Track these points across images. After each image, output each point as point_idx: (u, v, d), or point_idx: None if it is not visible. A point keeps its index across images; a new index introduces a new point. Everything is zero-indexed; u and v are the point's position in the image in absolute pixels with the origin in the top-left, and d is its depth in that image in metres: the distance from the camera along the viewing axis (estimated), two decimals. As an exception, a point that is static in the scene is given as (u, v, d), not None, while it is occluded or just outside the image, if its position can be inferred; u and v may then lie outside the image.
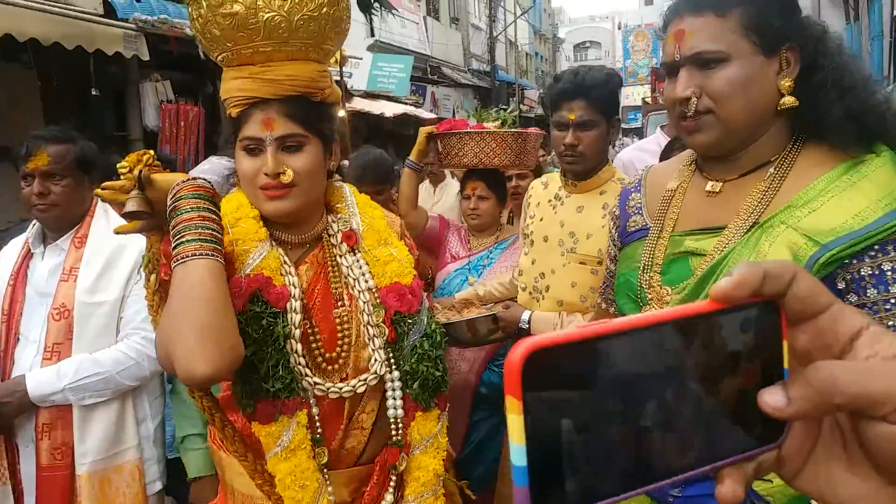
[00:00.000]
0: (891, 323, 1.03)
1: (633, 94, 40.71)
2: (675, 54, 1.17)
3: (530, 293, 2.16)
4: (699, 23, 1.14)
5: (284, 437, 1.27)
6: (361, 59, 11.98)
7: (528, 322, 2.10)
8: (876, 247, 1.02)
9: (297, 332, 1.30)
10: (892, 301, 1.03)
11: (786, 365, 0.40)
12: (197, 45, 7.17)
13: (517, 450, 0.33)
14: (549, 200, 2.16)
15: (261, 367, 1.25)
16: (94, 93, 6.52)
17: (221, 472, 1.46)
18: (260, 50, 1.30)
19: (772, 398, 0.38)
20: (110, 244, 2.08)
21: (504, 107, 3.16)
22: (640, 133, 27.21)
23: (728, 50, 1.12)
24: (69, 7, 6.14)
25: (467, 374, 2.54)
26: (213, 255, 1.17)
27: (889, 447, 0.36)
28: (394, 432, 1.40)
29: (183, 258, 1.15)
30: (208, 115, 8.10)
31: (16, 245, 2.18)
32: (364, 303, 1.38)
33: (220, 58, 1.35)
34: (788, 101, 1.13)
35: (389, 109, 11.30)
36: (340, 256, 1.42)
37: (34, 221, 2.16)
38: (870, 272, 1.03)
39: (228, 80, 1.35)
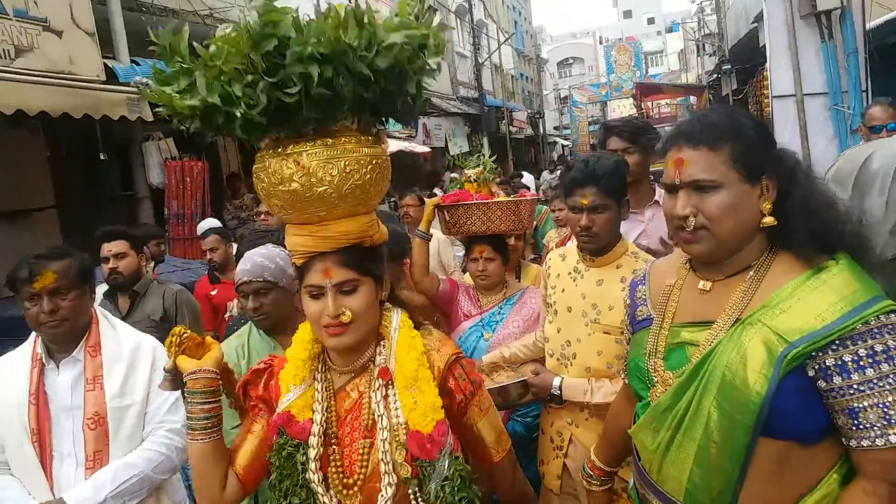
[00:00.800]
0: (856, 405, 1.23)
1: (619, 108, 41.15)
2: (676, 178, 1.39)
3: (558, 359, 2.33)
4: (695, 155, 1.36)
5: None
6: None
7: (560, 388, 2.26)
8: (836, 342, 1.23)
9: (314, 464, 1.49)
10: (855, 387, 1.22)
11: None
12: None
13: None
14: (569, 273, 2.33)
15: (281, 486, 1.50)
16: (102, 157, 6.71)
17: None
18: (316, 214, 1.48)
19: None
20: (126, 347, 2.17)
21: (482, 154, 3.31)
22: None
23: (720, 179, 1.34)
24: (73, 77, 6.34)
25: None
26: (205, 440, 1.54)
27: None
28: None
29: (190, 437, 1.55)
30: (211, 167, 8.30)
31: (15, 363, 2.16)
32: (382, 440, 1.48)
33: (281, 217, 1.55)
34: (768, 220, 1.36)
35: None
36: (373, 391, 1.54)
37: (31, 339, 2.18)
38: (833, 362, 1.24)
39: (291, 235, 1.55)
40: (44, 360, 2.14)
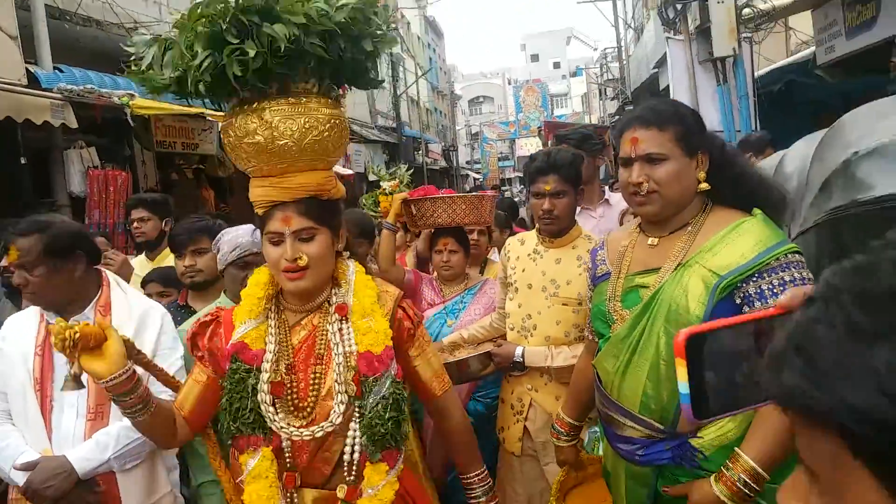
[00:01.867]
0: None
1: (526, 145, 42.63)
2: (632, 153, 1.73)
3: (518, 332, 2.58)
4: (647, 134, 1.71)
5: (250, 464, 1.65)
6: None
7: (522, 356, 2.51)
8: (755, 274, 1.58)
9: (266, 386, 1.66)
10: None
11: None
12: (122, 112, 7.28)
13: (683, 385, 0.69)
14: (529, 254, 2.62)
15: (231, 409, 1.65)
16: (23, 161, 6.48)
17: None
18: (277, 166, 1.68)
19: None
20: (135, 310, 2.24)
21: (400, 165, 3.55)
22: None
23: (667, 153, 1.69)
24: (-5, 78, 6.14)
25: None
26: (145, 417, 1.65)
27: None
28: (346, 473, 1.68)
29: (130, 420, 1.69)
30: (133, 178, 8.12)
31: (24, 320, 2.25)
32: (337, 364, 1.68)
33: (246, 170, 1.75)
34: (703, 186, 1.73)
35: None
36: (330, 324, 1.73)
37: None
38: (754, 290, 1.59)
39: (255, 187, 1.74)
40: (47, 318, 2.19)
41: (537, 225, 2.60)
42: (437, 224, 3.03)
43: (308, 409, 1.67)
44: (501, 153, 44.03)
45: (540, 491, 2.58)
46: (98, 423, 2.12)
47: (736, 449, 1.56)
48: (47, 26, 7.09)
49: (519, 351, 2.52)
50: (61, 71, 7.08)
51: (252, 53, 1.52)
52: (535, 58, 64.72)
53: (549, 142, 21.81)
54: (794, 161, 2.37)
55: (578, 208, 3.30)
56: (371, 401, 1.64)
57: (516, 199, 10.82)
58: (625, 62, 21.05)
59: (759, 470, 1.50)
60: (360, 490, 1.65)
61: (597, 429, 2.43)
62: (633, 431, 1.70)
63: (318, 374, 1.70)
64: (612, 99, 27.05)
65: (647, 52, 15.17)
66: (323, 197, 1.73)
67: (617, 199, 3.29)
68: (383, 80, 1.89)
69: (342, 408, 1.65)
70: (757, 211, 1.70)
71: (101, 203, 7.18)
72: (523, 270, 2.60)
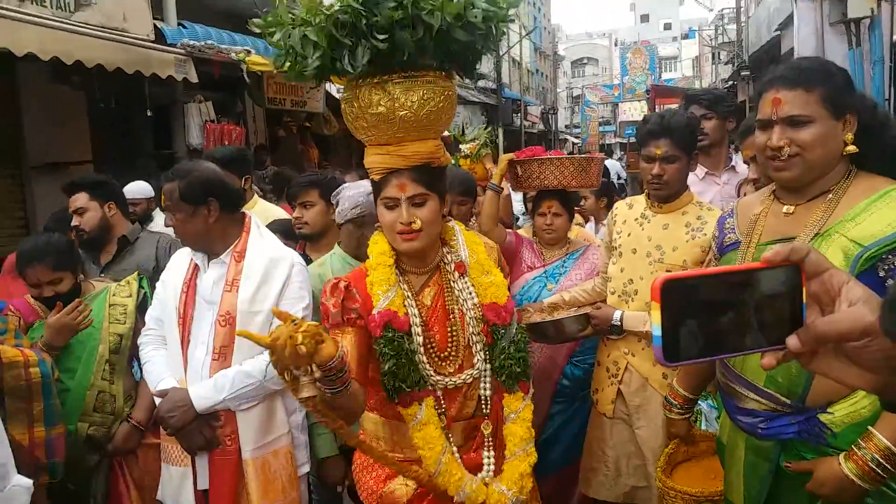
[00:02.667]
0: None
1: (630, 110, 41.20)
2: (773, 115, 1.63)
3: (619, 296, 2.56)
4: (791, 95, 1.60)
5: (419, 415, 1.79)
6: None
7: (620, 320, 2.49)
8: None
9: (420, 347, 1.82)
10: None
11: (804, 300, 0.73)
12: (238, 68, 7.58)
13: (655, 328, 0.70)
14: (636, 219, 2.57)
15: (399, 372, 1.77)
16: (148, 114, 6.91)
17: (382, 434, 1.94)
18: (395, 135, 1.81)
19: (792, 342, 0.73)
20: (265, 259, 2.32)
21: (479, 127, 3.47)
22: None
23: (812, 115, 1.58)
24: (126, 35, 6.54)
25: (550, 370, 2.93)
26: (345, 391, 1.56)
27: (858, 356, 0.72)
28: (484, 407, 1.92)
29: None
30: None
31: (183, 257, 2.45)
32: (470, 317, 1.89)
33: (364, 139, 1.87)
34: (851, 148, 1.61)
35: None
36: (454, 281, 1.93)
37: None
38: None
39: (371, 154, 1.87)
40: (194, 258, 2.39)
41: (646, 189, 2.54)
42: (543, 186, 3.00)
43: (451, 360, 1.87)
44: (602, 117, 42.74)
45: (628, 454, 2.58)
46: (221, 364, 2.26)
47: (870, 427, 1.49)
48: (174, -18, 7.46)
49: (617, 315, 2.50)
50: (184, 27, 7.45)
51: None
52: (644, 18, 62.03)
53: (657, 106, 20.98)
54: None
55: (702, 173, 3.20)
56: (502, 345, 1.89)
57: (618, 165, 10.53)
58: (743, 24, 19.82)
59: (894, 449, 1.44)
60: (501, 417, 1.93)
61: (699, 404, 2.39)
62: (755, 404, 1.64)
63: (454, 329, 1.89)
64: (727, 63, 25.62)
65: (770, 13, 14.24)
66: (433, 164, 1.85)
67: (744, 167, 3.15)
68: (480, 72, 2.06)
69: (482, 355, 1.90)
70: None
71: (216, 155, 7.57)
72: (629, 235, 2.55)
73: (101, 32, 6.18)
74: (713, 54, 30.87)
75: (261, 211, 3.56)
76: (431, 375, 1.83)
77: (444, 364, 1.86)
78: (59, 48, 5.35)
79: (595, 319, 2.54)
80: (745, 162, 2.91)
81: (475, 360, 1.89)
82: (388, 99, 1.75)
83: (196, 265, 2.39)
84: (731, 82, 21.69)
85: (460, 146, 3.31)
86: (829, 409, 1.56)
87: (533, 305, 2.80)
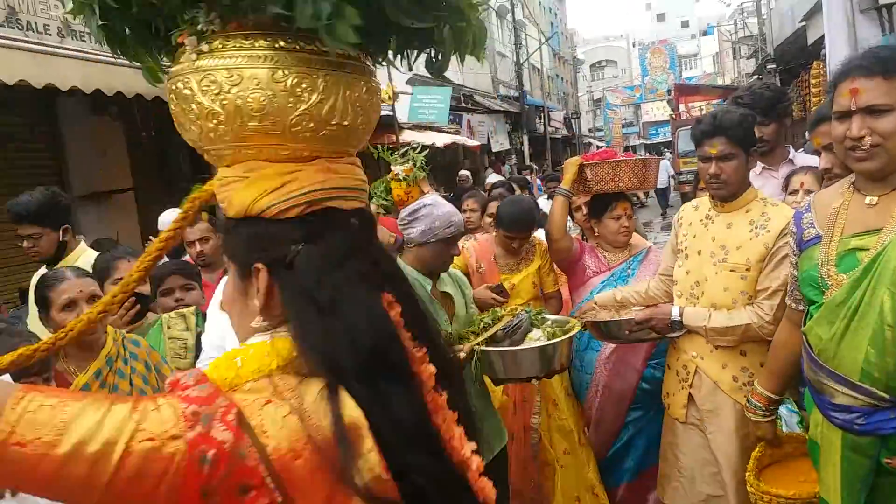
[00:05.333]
0: None
1: (652, 111, 40.98)
2: (852, 105, 1.60)
3: (686, 298, 2.53)
4: (870, 83, 1.59)
5: None
6: (411, 93, 12.40)
7: (680, 315, 2.48)
8: None
9: None
10: None
11: None
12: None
13: None
14: (701, 220, 2.54)
15: None
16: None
17: None
18: None
19: None
20: None
21: (414, 145, 3.17)
22: (667, 147, 27.32)
23: (893, 103, 1.56)
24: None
25: (630, 376, 2.92)
26: None
27: None
28: None
29: None
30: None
31: None
32: None
33: None
34: None
35: (439, 140, 11.69)
36: None
37: None
38: None
39: None
40: None
41: (708, 190, 2.52)
42: (618, 188, 3.01)
43: None
44: (625, 119, 42.50)
45: (703, 461, 2.52)
46: None
47: None
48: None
49: (676, 311, 2.48)
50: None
51: None
52: (661, 17, 61.68)
53: (680, 105, 20.76)
54: None
55: (759, 168, 3.16)
56: None
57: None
58: (764, 17, 19.63)
59: None
60: None
61: (780, 408, 2.35)
62: (850, 400, 1.62)
63: None
64: (749, 58, 25.36)
65: (793, 3, 14.05)
66: None
67: (802, 159, 3.09)
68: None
69: None
70: None
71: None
72: (694, 236, 2.53)
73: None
74: (734, 49, 30.59)
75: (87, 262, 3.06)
76: None
77: None
78: (101, 80, 5.49)
79: (654, 318, 2.52)
80: (814, 152, 2.84)
81: None
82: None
83: None
84: (755, 76, 21.47)
85: (391, 167, 3.06)
86: None
87: (599, 299, 2.80)
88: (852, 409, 1.61)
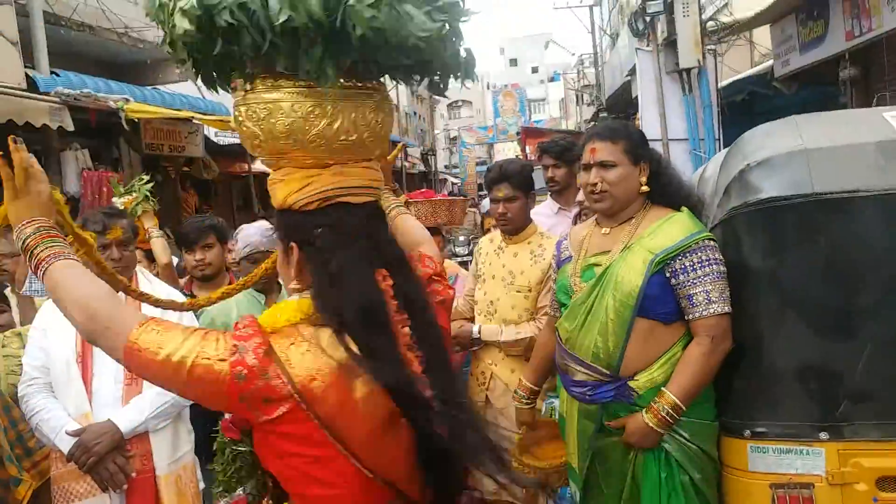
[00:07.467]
0: (690, 291, 2.05)
1: (504, 150, 43.09)
2: (591, 160, 2.20)
3: (484, 315, 3.08)
4: (603, 145, 2.19)
5: None
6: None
7: (479, 332, 3.00)
8: (680, 254, 2.06)
9: None
10: (690, 280, 2.05)
11: None
12: (115, 115, 7.59)
13: None
14: (494, 250, 3.12)
15: None
16: (22, 163, 6.75)
17: None
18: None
19: None
20: (160, 292, 2.54)
21: (142, 177, 3.35)
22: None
23: (617, 161, 2.17)
24: (-3, 83, 6.44)
25: None
26: None
27: None
28: None
29: None
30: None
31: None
32: None
33: None
34: (644, 188, 2.20)
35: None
36: None
37: None
38: (678, 266, 2.06)
39: None
40: None
41: (497, 226, 3.08)
42: (436, 223, 3.55)
43: None
44: (479, 158, 44.43)
45: None
46: (133, 388, 2.48)
47: (662, 388, 2.05)
48: (45, 32, 7.39)
49: (475, 329, 3.01)
50: (57, 75, 7.39)
51: None
52: (513, 62, 65.35)
53: (528, 148, 21.89)
54: (711, 169, 2.83)
55: (556, 208, 3.76)
56: None
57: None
58: (600, 69, 21.59)
59: (679, 403, 2.01)
60: None
61: (552, 399, 2.88)
62: (584, 376, 2.16)
63: None
64: (589, 105, 27.67)
65: (622, 59, 15.62)
66: None
67: None
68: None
69: None
70: (684, 208, 2.18)
71: (94, 203, 7.47)
72: (490, 264, 3.09)
73: (-31, 82, 6.07)
74: (577, 96, 33.18)
75: None
76: None
77: None
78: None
79: (458, 337, 2.99)
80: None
81: None
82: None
83: None
84: (592, 122, 23.51)
85: (113, 199, 3.11)
86: (635, 377, 2.10)
87: None
88: (585, 384, 2.16)
